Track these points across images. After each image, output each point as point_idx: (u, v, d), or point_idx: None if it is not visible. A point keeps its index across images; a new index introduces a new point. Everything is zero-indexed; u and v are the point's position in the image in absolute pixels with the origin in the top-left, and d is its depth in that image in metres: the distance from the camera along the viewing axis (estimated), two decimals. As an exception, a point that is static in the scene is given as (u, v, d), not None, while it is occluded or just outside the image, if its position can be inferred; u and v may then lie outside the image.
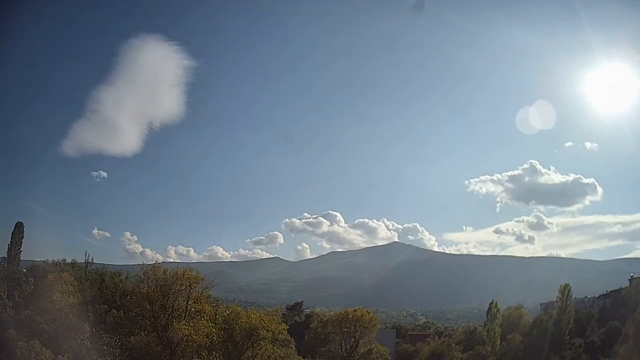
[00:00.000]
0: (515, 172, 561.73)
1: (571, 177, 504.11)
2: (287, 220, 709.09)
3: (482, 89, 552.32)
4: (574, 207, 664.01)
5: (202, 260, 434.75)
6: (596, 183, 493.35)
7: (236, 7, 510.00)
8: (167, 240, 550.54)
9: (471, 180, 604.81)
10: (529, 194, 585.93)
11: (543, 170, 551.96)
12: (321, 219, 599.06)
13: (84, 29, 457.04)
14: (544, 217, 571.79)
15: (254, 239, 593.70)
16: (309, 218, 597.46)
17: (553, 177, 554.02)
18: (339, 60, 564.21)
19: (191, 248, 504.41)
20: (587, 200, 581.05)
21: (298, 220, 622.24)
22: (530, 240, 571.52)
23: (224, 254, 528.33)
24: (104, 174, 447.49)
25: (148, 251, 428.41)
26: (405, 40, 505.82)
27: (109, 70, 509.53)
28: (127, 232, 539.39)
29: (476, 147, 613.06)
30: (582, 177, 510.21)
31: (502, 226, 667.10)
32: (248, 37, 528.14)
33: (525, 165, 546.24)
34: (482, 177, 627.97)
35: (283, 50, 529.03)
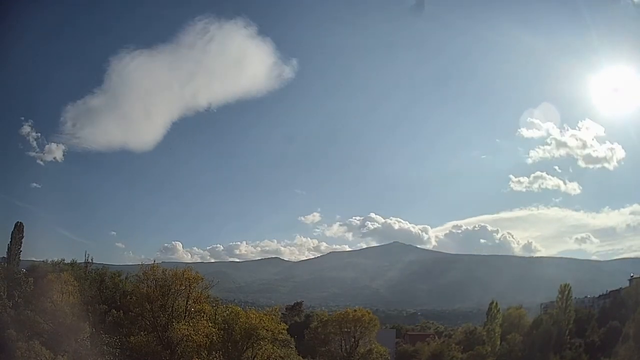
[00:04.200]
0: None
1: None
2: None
3: (486, 91, 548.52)
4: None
5: (202, 260, 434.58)
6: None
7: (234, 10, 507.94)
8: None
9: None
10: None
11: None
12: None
13: (82, 30, 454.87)
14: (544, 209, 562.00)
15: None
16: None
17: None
18: (337, 61, 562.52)
19: (191, 247, 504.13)
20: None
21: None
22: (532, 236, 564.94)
23: (223, 253, 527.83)
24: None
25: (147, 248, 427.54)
26: (405, 42, 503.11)
27: (105, 71, 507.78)
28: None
29: (477, 148, 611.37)
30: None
31: (502, 217, 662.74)
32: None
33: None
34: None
35: (283, 52, 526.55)
